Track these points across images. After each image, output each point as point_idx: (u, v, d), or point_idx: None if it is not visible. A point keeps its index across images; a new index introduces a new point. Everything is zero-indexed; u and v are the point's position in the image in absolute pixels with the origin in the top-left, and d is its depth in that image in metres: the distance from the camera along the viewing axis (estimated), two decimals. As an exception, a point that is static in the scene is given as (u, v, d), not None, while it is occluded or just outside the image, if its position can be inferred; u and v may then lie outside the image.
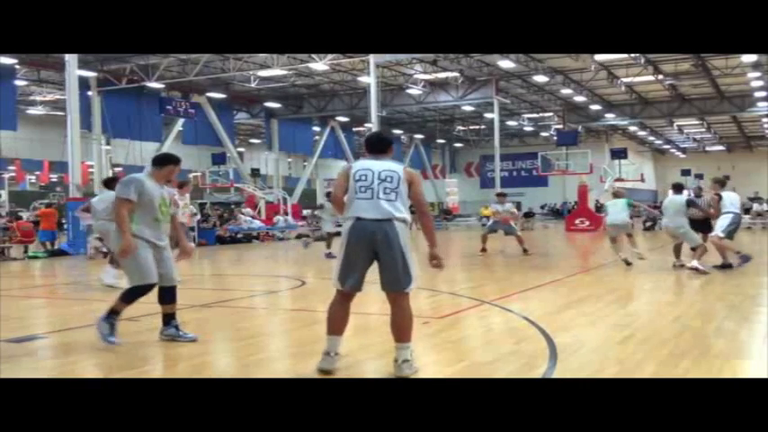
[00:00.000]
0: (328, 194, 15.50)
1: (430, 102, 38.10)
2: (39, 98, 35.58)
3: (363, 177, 4.50)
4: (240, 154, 41.48)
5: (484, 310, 7.62)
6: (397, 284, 4.44)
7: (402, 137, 51.56)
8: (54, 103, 34.55)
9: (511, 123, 47.65)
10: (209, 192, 36.96)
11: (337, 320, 4.55)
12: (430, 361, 5.07)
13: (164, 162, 5.92)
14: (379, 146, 4.74)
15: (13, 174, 39.90)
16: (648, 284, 9.89)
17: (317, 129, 43.54)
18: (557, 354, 5.12)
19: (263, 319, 7.78)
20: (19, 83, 29.66)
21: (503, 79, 35.14)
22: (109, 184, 9.57)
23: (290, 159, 49.56)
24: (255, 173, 37.87)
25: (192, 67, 29.59)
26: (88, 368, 5.18)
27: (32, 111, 36.75)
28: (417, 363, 4.59)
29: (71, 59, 18.84)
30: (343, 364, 4.67)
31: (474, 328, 6.78)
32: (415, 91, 36.18)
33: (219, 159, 34.53)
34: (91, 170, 31.24)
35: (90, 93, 29.64)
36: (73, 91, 19.02)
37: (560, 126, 43.33)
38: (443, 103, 38.55)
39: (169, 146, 33.94)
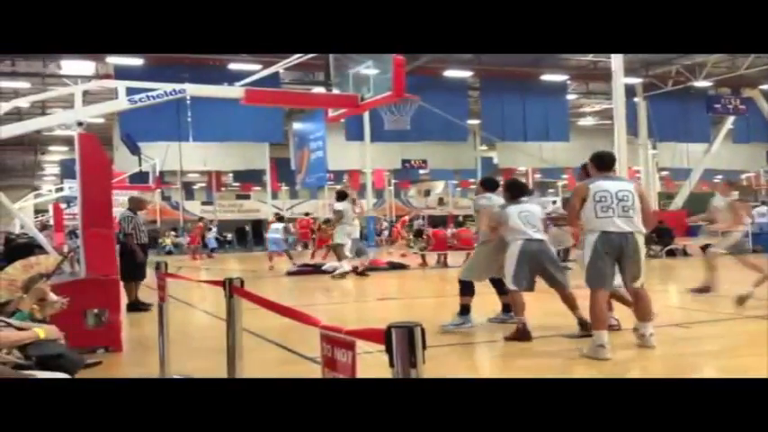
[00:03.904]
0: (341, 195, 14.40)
1: None
2: (587, 109, 38.10)
3: (603, 198, 5.21)
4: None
5: None
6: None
7: None
8: (601, 113, 36.46)
9: None
10: (765, 192, 33.71)
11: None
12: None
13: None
14: (612, 164, 5.56)
15: (566, 182, 43.70)
16: None
17: None
18: None
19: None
20: (570, 97, 32.29)
21: None
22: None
23: None
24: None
25: (742, 61, 27.47)
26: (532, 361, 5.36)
27: (582, 122, 39.58)
28: None
29: (617, 69, 19.53)
30: None
31: None
32: None
33: (777, 157, 31.19)
34: (638, 175, 31.88)
35: (636, 99, 30.31)
36: (619, 99, 19.73)
37: None
38: None
39: (719, 145, 32.25)
